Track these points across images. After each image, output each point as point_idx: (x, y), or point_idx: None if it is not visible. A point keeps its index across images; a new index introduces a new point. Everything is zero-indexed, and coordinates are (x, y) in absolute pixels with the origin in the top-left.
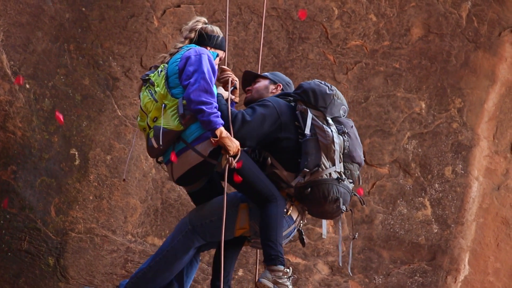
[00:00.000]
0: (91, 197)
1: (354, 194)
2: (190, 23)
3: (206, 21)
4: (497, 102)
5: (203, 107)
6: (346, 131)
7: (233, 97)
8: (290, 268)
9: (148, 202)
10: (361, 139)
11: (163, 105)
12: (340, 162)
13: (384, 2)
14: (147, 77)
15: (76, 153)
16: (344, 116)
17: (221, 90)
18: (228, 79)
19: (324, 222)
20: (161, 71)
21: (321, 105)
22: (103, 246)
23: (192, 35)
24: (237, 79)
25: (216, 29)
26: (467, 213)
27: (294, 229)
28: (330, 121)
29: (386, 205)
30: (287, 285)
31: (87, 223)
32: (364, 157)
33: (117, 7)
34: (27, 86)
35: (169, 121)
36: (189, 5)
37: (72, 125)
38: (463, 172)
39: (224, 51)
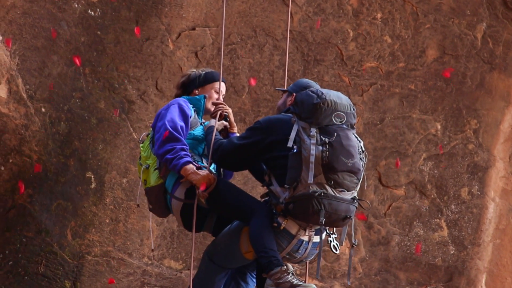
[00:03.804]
0: (107, 220)
1: (353, 199)
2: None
3: (190, 72)
4: None
5: (167, 156)
6: (327, 141)
7: (222, 125)
8: (289, 264)
9: (164, 224)
10: (377, 160)
11: (146, 166)
12: (319, 174)
13: (399, 23)
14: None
15: (92, 176)
16: (342, 122)
17: (212, 122)
18: (217, 114)
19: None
20: (148, 134)
21: (307, 116)
22: (120, 269)
23: (179, 91)
24: (229, 110)
25: (195, 70)
26: (484, 234)
27: (302, 242)
28: (313, 132)
29: (402, 226)
30: (289, 281)
31: (103, 246)
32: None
33: (132, 31)
34: (43, 109)
35: (151, 179)
36: (204, 28)
37: (88, 148)
38: (479, 193)
39: (215, 81)
